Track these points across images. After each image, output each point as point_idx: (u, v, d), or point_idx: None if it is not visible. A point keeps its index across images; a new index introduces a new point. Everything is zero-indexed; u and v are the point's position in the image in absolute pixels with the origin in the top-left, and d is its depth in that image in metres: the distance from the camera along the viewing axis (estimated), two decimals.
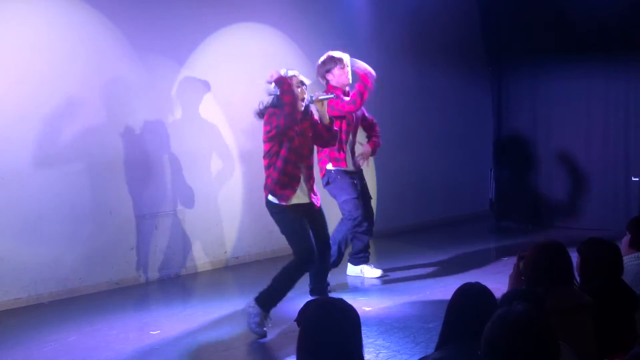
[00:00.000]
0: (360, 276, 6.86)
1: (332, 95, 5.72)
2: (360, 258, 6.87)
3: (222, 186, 7.45)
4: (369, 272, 6.87)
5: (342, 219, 6.65)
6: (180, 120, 7.10)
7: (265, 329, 5.27)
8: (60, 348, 5.14)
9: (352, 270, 6.91)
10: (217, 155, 7.39)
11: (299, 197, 5.42)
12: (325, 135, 5.56)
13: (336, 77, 6.41)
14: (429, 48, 9.39)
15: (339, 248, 6.61)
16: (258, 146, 7.60)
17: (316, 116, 5.58)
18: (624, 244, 4.32)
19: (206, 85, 7.31)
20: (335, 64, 6.40)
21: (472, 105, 10.06)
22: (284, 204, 5.37)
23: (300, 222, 5.39)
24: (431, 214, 9.39)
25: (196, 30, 7.22)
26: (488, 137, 10.03)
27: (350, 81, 6.47)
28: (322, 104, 5.54)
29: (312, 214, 5.52)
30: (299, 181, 5.40)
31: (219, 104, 7.42)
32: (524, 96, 9.64)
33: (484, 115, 10.07)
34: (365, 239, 6.81)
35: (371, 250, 7.06)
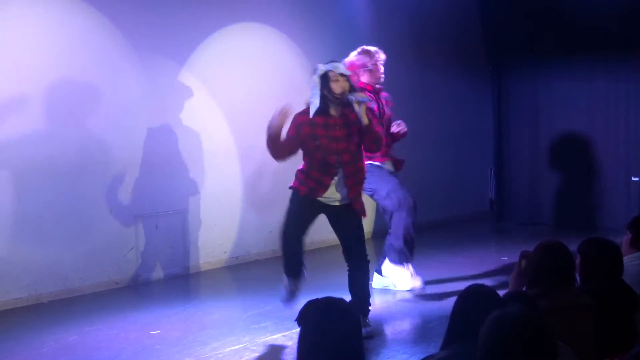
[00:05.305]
0: (390, 289, 6.35)
1: (366, 100, 5.14)
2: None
3: (222, 186, 7.45)
4: (402, 284, 6.31)
5: (392, 214, 6.17)
6: (180, 120, 7.10)
7: (286, 289, 5.34)
8: (60, 348, 5.14)
9: (380, 282, 6.39)
10: (217, 154, 7.39)
11: (327, 198, 5.20)
12: (366, 138, 5.21)
13: (368, 72, 6.15)
14: (429, 48, 9.39)
15: (405, 242, 6.15)
16: (258, 146, 7.60)
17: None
18: (624, 243, 4.31)
19: (206, 85, 7.31)
20: (369, 59, 6.12)
21: (472, 105, 10.06)
22: (303, 191, 5.19)
23: (301, 213, 5.25)
24: (431, 214, 9.38)
25: (196, 30, 7.22)
26: (488, 137, 10.03)
27: (383, 79, 6.20)
28: (360, 105, 5.10)
29: (342, 214, 5.26)
30: (326, 188, 5.15)
31: (219, 103, 7.41)
32: (524, 96, 9.64)
33: (484, 115, 10.07)
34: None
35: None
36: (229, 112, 7.46)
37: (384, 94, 6.40)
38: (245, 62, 7.57)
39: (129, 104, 6.76)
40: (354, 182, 5.21)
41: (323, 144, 5.11)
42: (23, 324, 5.67)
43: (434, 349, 4.33)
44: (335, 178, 5.16)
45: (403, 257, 6.22)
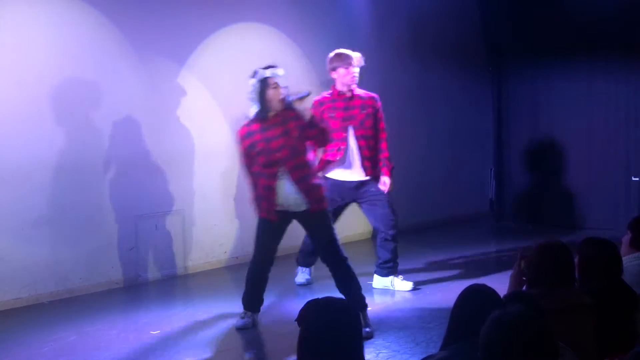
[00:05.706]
0: (389, 289, 6.42)
1: (305, 94, 5.25)
2: (388, 268, 6.44)
3: (222, 186, 7.45)
4: (400, 284, 6.43)
5: None
6: (180, 120, 7.10)
7: (243, 320, 5.45)
8: (60, 348, 5.14)
9: (380, 282, 6.47)
10: (217, 154, 7.39)
11: (284, 205, 5.23)
12: (311, 132, 5.23)
13: (340, 76, 6.14)
14: (429, 48, 9.38)
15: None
16: None
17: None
18: (624, 243, 4.32)
19: (206, 85, 7.31)
20: (341, 63, 6.13)
21: (472, 105, 10.06)
22: (261, 215, 5.32)
23: (267, 234, 5.35)
24: (431, 214, 9.39)
25: (196, 30, 7.22)
26: (488, 137, 10.03)
27: (357, 82, 6.20)
28: (302, 102, 5.22)
29: (308, 221, 5.32)
30: (274, 190, 5.16)
31: (219, 104, 7.41)
32: (524, 96, 9.64)
33: (484, 115, 10.06)
34: (390, 247, 6.43)
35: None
36: (229, 112, 7.46)
37: (368, 94, 6.32)
38: (245, 62, 7.55)
39: (129, 104, 6.76)
40: (299, 175, 5.17)
41: (262, 147, 5.18)
42: (23, 324, 5.67)
43: (434, 349, 4.34)
44: (280, 177, 5.16)
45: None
